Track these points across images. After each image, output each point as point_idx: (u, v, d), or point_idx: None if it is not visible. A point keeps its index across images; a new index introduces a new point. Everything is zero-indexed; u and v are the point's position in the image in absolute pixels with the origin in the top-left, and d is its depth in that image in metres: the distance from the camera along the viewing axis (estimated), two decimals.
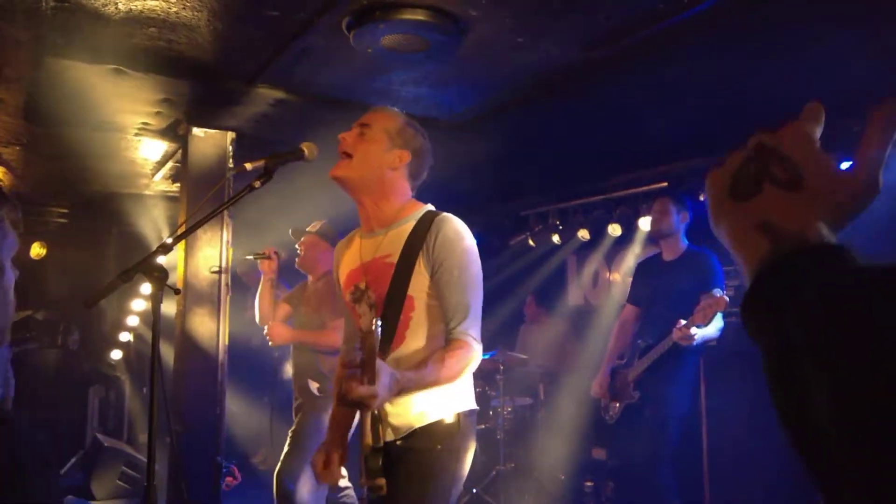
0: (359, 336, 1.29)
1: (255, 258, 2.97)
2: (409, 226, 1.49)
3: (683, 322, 2.66)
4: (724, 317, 3.29)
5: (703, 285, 2.79)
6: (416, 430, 1.45)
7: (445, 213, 1.51)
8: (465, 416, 1.49)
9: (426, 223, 1.47)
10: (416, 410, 1.45)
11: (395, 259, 1.47)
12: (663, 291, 2.96)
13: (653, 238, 3.14)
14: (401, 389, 1.32)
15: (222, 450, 3.09)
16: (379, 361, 1.25)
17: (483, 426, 4.10)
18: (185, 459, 2.94)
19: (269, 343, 2.86)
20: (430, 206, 1.57)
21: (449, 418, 1.47)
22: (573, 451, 4.16)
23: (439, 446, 1.45)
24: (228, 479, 4.43)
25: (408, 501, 1.43)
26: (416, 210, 1.54)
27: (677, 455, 2.80)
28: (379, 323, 1.29)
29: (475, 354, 1.45)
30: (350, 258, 1.59)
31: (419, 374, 1.36)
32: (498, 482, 3.90)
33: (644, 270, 3.19)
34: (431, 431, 1.46)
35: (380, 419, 1.42)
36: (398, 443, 1.46)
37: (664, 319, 2.85)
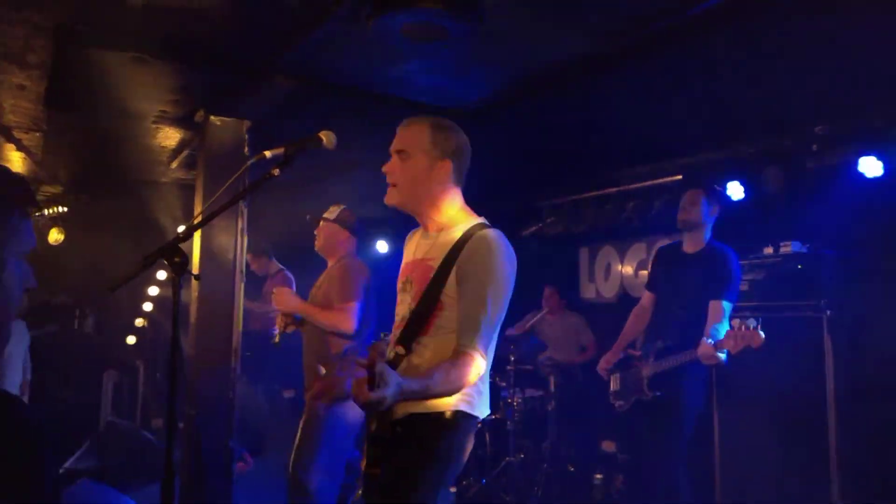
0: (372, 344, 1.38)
1: (279, 334, 2.78)
2: (458, 234, 1.57)
3: (711, 341, 2.58)
4: (739, 310, 3.25)
5: (717, 285, 2.75)
6: (412, 415, 1.49)
7: (490, 229, 1.57)
8: (462, 417, 1.53)
9: (469, 235, 1.55)
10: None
11: (436, 263, 1.56)
12: (680, 285, 2.91)
13: (680, 229, 3.02)
14: (406, 397, 1.39)
15: (235, 435, 3.14)
16: (388, 368, 1.34)
17: (493, 417, 4.11)
18: (198, 444, 2.99)
19: (276, 307, 2.75)
20: (481, 219, 1.64)
21: (448, 414, 1.51)
22: (583, 444, 4.17)
23: (430, 437, 1.50)
24: (240, 464, 4.49)
25: (394, 489, 1.48)
26: (466, 220, 1.62)
27: (690, 450, 2.79)
28: (383, 335, 1.40)
29: (480, 370, 1.50)
30: (409, 252, 1.71)
31: (424, 384, 1.43)
32: (508, 473, 3.92)
33: (663, 258, 3.12)
34: (428, 422, 1.50)
35: (389, 411, 1.45)
36: (398, 429, 1.51)
37: (680, 318, 2.81)
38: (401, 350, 1.51)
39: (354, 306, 2.63)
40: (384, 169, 1.62)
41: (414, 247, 1.69)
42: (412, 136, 1.60)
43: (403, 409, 1.49)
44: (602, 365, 3.07)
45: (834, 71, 2.63)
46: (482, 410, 1.59)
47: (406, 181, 1.59)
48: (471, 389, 1.53)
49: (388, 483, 1.47)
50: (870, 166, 3.07)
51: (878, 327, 3.02)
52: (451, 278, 1.53)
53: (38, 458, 0.78)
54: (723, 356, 2.59)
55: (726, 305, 2.73)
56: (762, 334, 2.48)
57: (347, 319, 2.61)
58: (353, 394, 1.36)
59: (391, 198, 1.62)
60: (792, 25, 2.27)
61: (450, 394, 1.48)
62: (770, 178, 3.43)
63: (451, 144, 1.61)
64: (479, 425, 4.35)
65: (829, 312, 2.98)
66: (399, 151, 1.60)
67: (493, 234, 1.56)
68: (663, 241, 3.76)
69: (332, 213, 2.86)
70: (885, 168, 3.05)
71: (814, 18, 2.21)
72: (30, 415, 0.81)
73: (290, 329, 2.83)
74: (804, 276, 3.13)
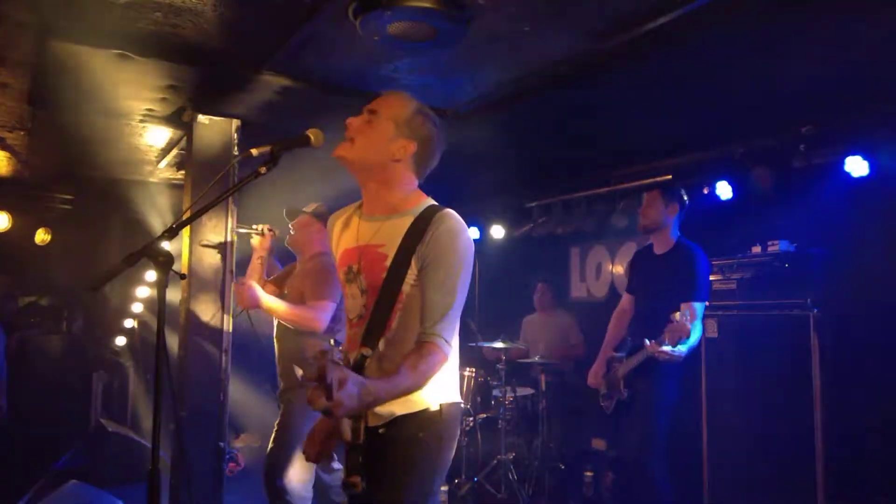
0: (316, 353, 1.24)
1: (246, 231, 2.85)
2: (409, 219, 1.48)
3: (651, 341, 2.69)
4: (725, 309, 3.33)
5: (686, 282, 2.82)
6: (397, 417, 1.45)
7: (446, 210, 1.49)
8: (448, 407, 1.49)
9: (426, 218, 1.46)
10: (399, 398, 1.42)
11: (388, 250, 1.47)
12: (653, 284, 3.00)
13: (642, 233, 3.17)
14: (374, 399, 1.29)
15: (225, 435, 3.12)
16: (346, 370, 1.23)
17: (484, 415, 4.13)
18: (189, 445, 2.96)
19: (237, 305, 2.67)
20: (432, 201, 1.55)
21: (433, 407, 1.47)
22: (573, 442, 4.20)
23: (421, 434, 1.45)
24: (231, 464, 4.47)
25: (390, 489, 1.43)
26: (418, 203, 1.52)
27: (670, 444, 2.84)
28: (334, 343, 1.30)
29: (445, 358, 1.42)
30: (347, 236, 1.58)
31: (392, 383, 1.33)
32: (499, 471, 3.93)
33: (638, 262, 3.23)
34: (414, 420, 1.45)
35: (361, 415, 1.39)
36: (381, 431, 1.45)
37: (651, 315, 2.89)
38: (366, 351, 1.41)
39: (327, 305, 2.60)
40: (347, 121, 1.52)
41: (353, 231, 1.56)
42: (390, 105, 1.52)
43: (388, 411, 1.44)
44: (591, 379, 3.16)
45: (821, 71, 2.65)
46: (460, 396, 1.56)
47: (364, 140, 1.48)
48: (447, 377, 1.48)
49: (381, 485, 1.41)
50: (856, 166, 3.10)
51: (864, 326, 3.05)
52: (412, 265, 1.43)
53: None
54: (672, 349, 2.64)
55: (697, 306, 2.79)
56: (688, 325, 2.59)
57: (317, 318, 2.55)
58: (309, 401, 1.23)
59: (342, 149, 1.49)
60: (779, 25, 2.28)
61: (419, 388, 1.39)
62: (758, 177, 3.46)
63: (424, 131, 1.52)
64: (470, 423, 4.32)
65: (815, 311, 3.02)
66: (371, 111, 1.51)
67: (453, 216, 1.47)
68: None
69: (310, 207, 2.88)
70: (871, 168, 3.09)
71: (801, 18, 2.23)
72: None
73: (257, 234, 2.79)
74: (791, 274, 3.17)
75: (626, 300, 3.25)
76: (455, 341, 1.49)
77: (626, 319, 3.18)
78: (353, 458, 1.36)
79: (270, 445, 2.67)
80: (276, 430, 2.68)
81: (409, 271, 1.44)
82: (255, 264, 2.86)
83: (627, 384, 2.94)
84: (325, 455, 1.58)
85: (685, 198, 3.08)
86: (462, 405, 1.60)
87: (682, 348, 2.65)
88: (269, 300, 2.60)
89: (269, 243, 2.85)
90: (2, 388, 4.40)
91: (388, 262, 1.45)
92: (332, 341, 1.31)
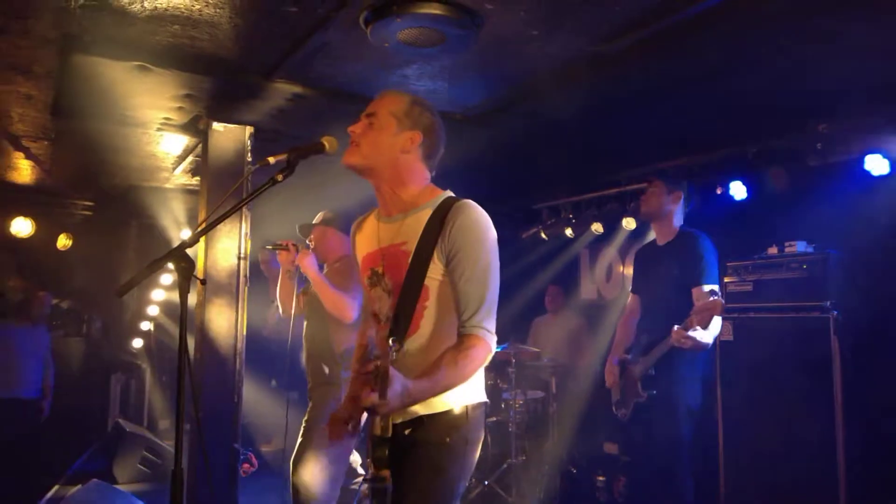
0: (374, 342, 1.29)
1: (273, 248, 2.97)
2: (427, 212, 1.46)
3: (677, 327, 2.57)
4: (740, 311, 3.25)
5: (693, 269, 2.72)
6: (421, 417, 1.43)
7: (465, 200, 1.47)
8: (473, 409, 1.47)
9: (444, 210, 1.44)
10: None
11: (411, 247, 1.45)
12: (658, 277, 2.89)
13: (644, 221, 3.03)
14: (413, 400, 1.31)
15: (239, 437, 3.16)
16: (392, 370, 1.25)
17: (495, 419, 4.12)
18: (204, 446, 3.01)
19: (299, 263, 2.77)
20: (450, 193, 1.53)
21: (457, 409, 1.44)
22: (585, 445, 4.16)
23: (448, 439, 1.43)
24: (245, 465, 4.52)
25: (415, 494, 1.41)
26: (434, 196, 1.51)
27: (692, 452, 2.76)
28: (393, 344, 1.30)
29: (489, 349, 1.41)
30: (367, 240, 1.58)
31: (432, 381, 1.34)
32: (509, 475, 3.92)
33: (640, 258, 3.13)
34: (439, 422, 1.43)
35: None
36: (406, 432, 1.44)
37: (663, 308, 2.79)
38: (396, 347, 1.38)
39: (358, 297, 2.65)
40: (349, 129, 1.51)
41: (374, 235, 1.55)
42: (386, 102, 1.52)
43: (412, 411, 1.43)
44: (608, 381, 3.02)
45: (838, 68, 2.62)
46: (484, 394, 1.53)
47: (370, 143, 1.48)
48: (471, 377, 1.44)
49: (403, 489, 1.39)
50: (876, 164, 3.03)
51: (886, 329, 2.96)
52: (435, 259, 1.41)
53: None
54: (701, 336, 2.53)
55: (707, 289, 2.69)
56: (721, 300, 2.48)
57: (351, 306, 2.63)
58: (362, 401, 1.27)
59: (350, 156, 1.49)
60: (795, 23, 2.26)
61: (462, 382, 1.38)
62: (773, 177, 3.40)
63: (425, 120, 1.51)
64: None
65: (835, 314, 2.92)
66: (369, 114, 1.51)
67: (472, 205, 1.44)
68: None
69: (318, 217, 2.95)
70: (892, 166, 3.01)
71: (817, 15, 2.21)
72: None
73: (281, 250, 2.89)
74: (810, 276, 3.05)
75: (632, 301, 3.13)
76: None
77: (634, 321, 3.07)
78: (381, 452, 1.35)
79: (299, 440, 2.71)
80: (304, 427, 2.72)
81: (433, 265, 1.42)
82: (284, 279, 2.97)
83: (646, 385, 2.81)
84: (340, 436, 1.58)
85: (689, 189, 2.98)
86: (487, 403, 1.55)
87: (708, 337, 2.53)
88: (320, 274, 2.71)
89: (294, 257, 2.92)
90: (50, 390, 4.53)
91: (409, 260, 1.43)
92: (390, 340, 1.31)
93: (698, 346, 2.57)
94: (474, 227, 1.43)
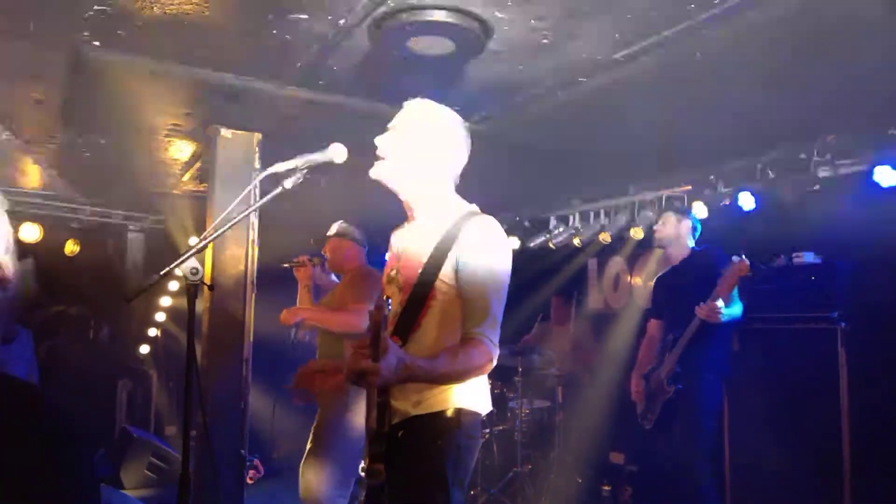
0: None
1: (290, 266, 3.00)
2: (448, 222, 1.51)
3: (701, 304, 2.73)
4: (750, 322, 3.26)
5: (710, 281, 2.80)
6: (413, 417, 1.45)
7: (483, 215, 1.52)
8: (466, 415, 1.46)
9: (461, 222, 1.49)
10: (416, 398, 1.44)
11: (428, 250, 1.49)
12: (678, 293, 3.00)
13: (657, 247, 3.29)
14: (409, 375, 1.32)
15: (246, 443, 3.15)
16: (391, 342, 1.27)
17: (501, 427, 4.10)
18: (212, 452, 3.00)
19: (292, 332, 2.85)
20: (473, 208, 1.59)
21: (449, 412, 1.44)
22: (591, 455, 4.14)
23: (438, 442, 1.43)
24: (251, 472, 4.51)
25: (406, 497, 1.42)
26: (457, 207, 1.56)
27: (714, 454, 2.81)
28: (387, 300, 1.31)
29: (489, 356, 1.42)
30: (393, 244, 1.67)
31: (430, 364, 1.36)
32: (515, 484, 3.90)
33: (659, 284, 3.28)
34: (430, 424, 1.44)
35: (387, 405, 1.43)
36: (399, 433, 1.46)
37: (684, 316, 2.88)
38: (397, 341, 1.44)
39: (367, 307, 2.66)
40: (376, 140, 1.56)
41: (400, 239, 1.64)
42: (411, 115, 1.57)
43: (403, 411, 1.45)
44: (636, 392, 3.14)
45: (847, 80, 2.61)
46: (483, 406, 1.52)
47: (397, 155, 1.53)
48: (469, 384, 1.46)
49: (396, 488, 1.41)
50: (885, 176, 3.03)
51: (893, 340, 2.96)
52: (447, 266, 1.46)
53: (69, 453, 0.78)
54: (726, 308, 2.68)
55: (736, 259, 2.80)
56: (746, 261, 2.62)
57: (356, 321, 2.63)
58: (348, 363, 1.28)
59: (378, 171, 1.54)
60: (804, 33, 2.26)
61: (456, 378, 1.41)
62: (783, 188, 3.41)
63: (449, 131, 1.58)
64: (486, 434, 4.32)
65: (843, 325, 2.94)
66: (394, 127, 1.57)
67: (488, 220, 1.51)
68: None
69: (333, 229, 2.97)
70: None
71: (826, 26, 2.20)
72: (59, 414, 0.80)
73: (298, 267, 2.90)
74: (818, 287, 3.10)
75: (653, 326, 3.25)
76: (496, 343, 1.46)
77: (655, 347, 3.19)
78: (377, 447, 1.36)
79: (308, 446, 2.71)
80: (313, 433, 2.73)
81: (443, 271, 1.46)
82: (302, 294, 3.01)
83: (672, 380, 2.92)
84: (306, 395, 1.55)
85: (696, 213, 3.20)
86: (482, 416, 1.54)
87: (736, 310, 2.68)
88: (309, 312, 2.74)
89: (311, 272, 2.96)
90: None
91: (423, 261, 1.48)
92: (385, 297, 1.37)
93: (723, 318, 2.71)
94: (487, 239, 1.47)
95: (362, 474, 3.04)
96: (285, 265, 3.04)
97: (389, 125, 1.59)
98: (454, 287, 1.46)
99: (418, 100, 1.61)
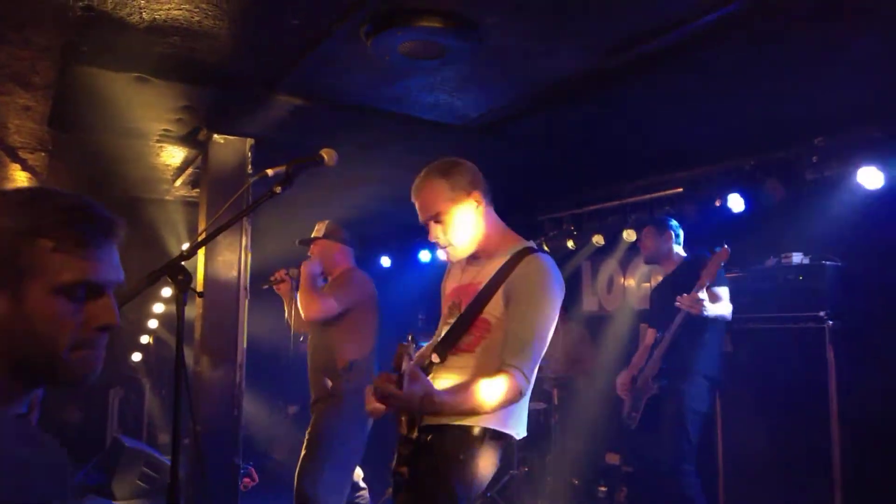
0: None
1: (270, 286, 3.01)
2: (504, 258, 1.61)
3: (683, 295, 2.81)
4: (740, 322, 3.29)
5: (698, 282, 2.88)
6: (443, 425, 1.51)
7: (539, 253, 1.61)
8: (491, 436, 1.52)
9: (518, 258, 1.58)
10: None
11: (483, 281, 1.60)
12: (669, 297, 3.04)
13: (649, 263, 3.40)
14: (432, 409, 1.42)
15: (240, 451, 3.13)
16: (419, 372, 1.38)
17: None
18: (202, 460, 2.98)
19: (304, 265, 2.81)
20: (529, 244, 1.68)
21: (476, 430, 1.51)
22: (587, 456, 4.15)
23: (461, 456, 1.50)
24: (246, 480, 4.47)
25: (420, 499, 1.51)
26: (514, 244, 1.66)
27: (697, 452, 2.83)
28: (411, 337, 1.39)
29: (520, 390, 1.47)
30: (455, 277, 1.76)
31: (455, 397, 1.44)
32: (512, 486, 3.90)
33: (655, 294, 3.38)
34: (456, 436, 1.50)
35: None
36: (428, 438, 1.52)
37: (673, 317, 2.95)
38: (435, 359, 1.55)
39: (334, 305, 2.67)
40: (431, 239, 1.68)
41: (460, 272, 1.74)
42: (431, 197, 1.64)
43: (435, 418, 1.51)
44: (621, 387, 3.20)
45: (833, 82, 2.65)
46: (517, 430, 1.59)
47: (454, 237, 1.64)
48: (504, 409, 1.51)
49: (413, 490, 1.51)
50: (869, 177, 3.08)
51: (880, 339, 3.01)
52: (498, 297, 1.55)
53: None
54: (704, 296, 2.73)
55: (717, 290, 2.92)
56: (727, 248, 2.71)
57: (317, 309, 2.64)
58: (376, 385, 1.38)
59: (452, 256, 1.68)
60: (792, 38, 2.29)
61: (482, 410, 1.47)
62: (770, 189, 3.45)
63: (466, 177, 1.65)
64: (524, 459, 4.31)
65: (831, 324, 2.98)
66: (430, 218, 1.64)
67: (544, 258, 1.60)
68: None
69: (319, 230, 2.95)
70: (886, 179, 3.05)
71: (813, 31, 2.23)
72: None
73: (277, 284, 2.89)
74: (806, 287, 3.14)
75: (648, 333, 3.32)
76: (532, 377, 1.53)
77: (649, 350, 3.23)
78: (404, 449, 1.49)
79: (302, 454, 2.69)
80: (307, 440, 2.71)
81: (494, 301, 1.55)
82: (292, 304, 2.98)
83: (658, 377, 2.97)
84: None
85: (675, 223, 3.27)
86: (513, 438, 1.59)
87: (720, 309, 2.74)
88: (308, 282, 2.73)
89: (290, 285, 2.96)
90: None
91: (478, 290, 1.59)
92: (409, 336, 1.41)
93: (705, 311, 2.76)
94: (537, 276, 1.55)
95: (363, 484, 3.05)
96: (265, 286, 3.05)
97: (422, 220, 1.65)
98: (501, 319, 1.53)
99: (423, 180, 1.65)
